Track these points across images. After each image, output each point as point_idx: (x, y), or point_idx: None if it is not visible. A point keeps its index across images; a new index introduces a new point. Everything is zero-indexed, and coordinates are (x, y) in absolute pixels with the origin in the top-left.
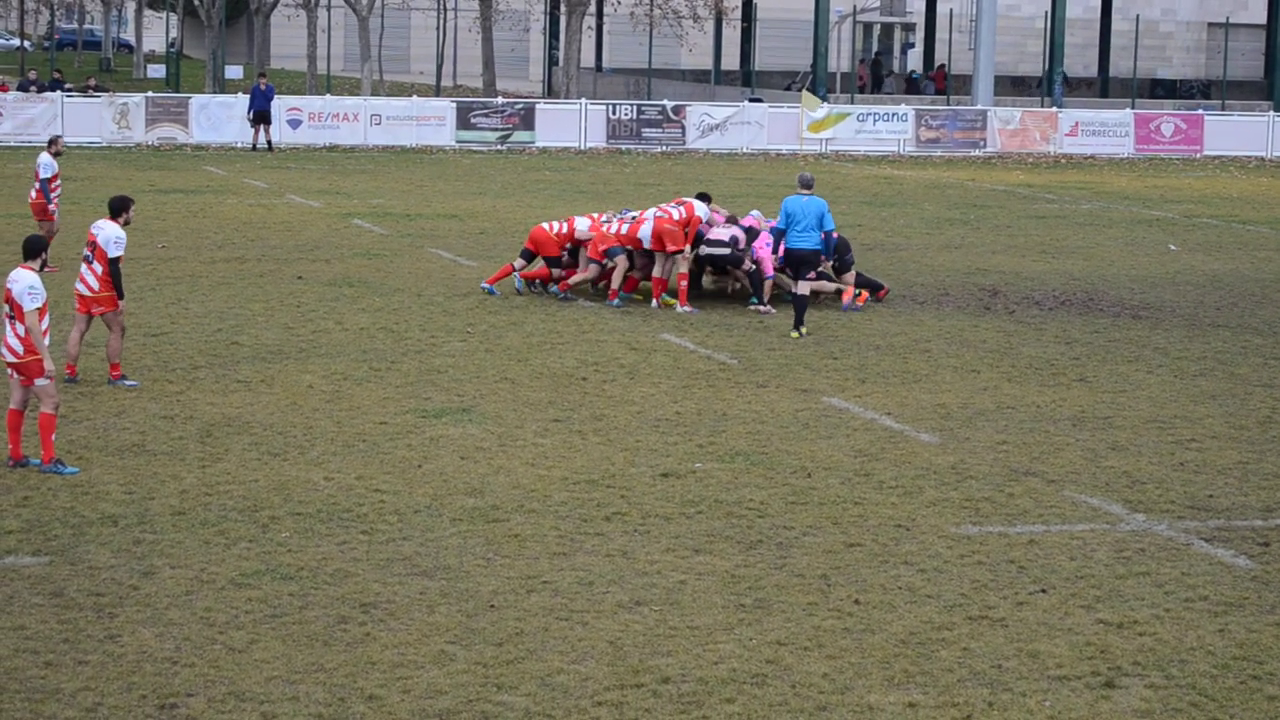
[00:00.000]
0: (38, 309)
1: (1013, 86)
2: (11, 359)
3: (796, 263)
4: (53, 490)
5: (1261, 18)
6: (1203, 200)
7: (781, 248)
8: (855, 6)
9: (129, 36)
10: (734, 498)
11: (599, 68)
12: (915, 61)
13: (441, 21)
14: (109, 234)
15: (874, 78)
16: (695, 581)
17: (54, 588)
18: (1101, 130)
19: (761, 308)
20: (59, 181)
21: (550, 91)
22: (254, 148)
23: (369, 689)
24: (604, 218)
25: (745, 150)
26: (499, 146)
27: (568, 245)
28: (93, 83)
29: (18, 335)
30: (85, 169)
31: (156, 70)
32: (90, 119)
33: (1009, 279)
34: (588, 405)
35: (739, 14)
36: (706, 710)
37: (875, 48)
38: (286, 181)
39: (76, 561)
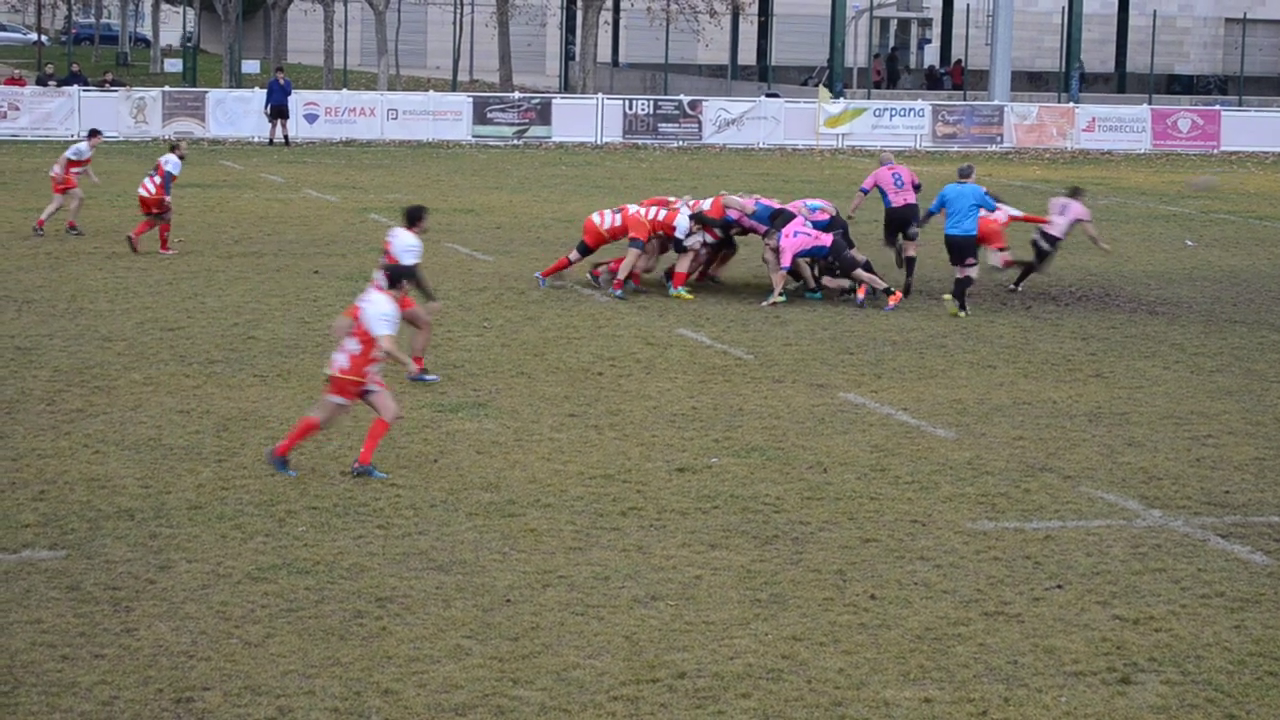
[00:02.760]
0: (389, 335)
1: (1029, 82)
2: (335, 373)
3: (953, 249)
4: (69, 484)
5: (1279, 13)
6: (1220, 196)
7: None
8: (872, 1)
9: (146, 31)
10: (750, 493)
11: (615, 63)
12: (932, 57)
13: (458, 16)
14: (403, 242)
15: (890, 73)
16: (711, 577)
17: (70, 581)
18: (1118, 126)
19: (773, 299)
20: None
21: (567, 86)
22: (270, 142)
23: (385, 683)
24: (677, 203)
25: (761, 145)
26: (515, 141)
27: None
28: (110, 77)
29: (348, 353)
30: (102, 164)
31: (173, 65)
32: (107, 113)
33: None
34: (604, 400)
35: (755, 9)
36: (722, 705)
37: (892, 43)
38: (303, 176)
39: (93, 555)
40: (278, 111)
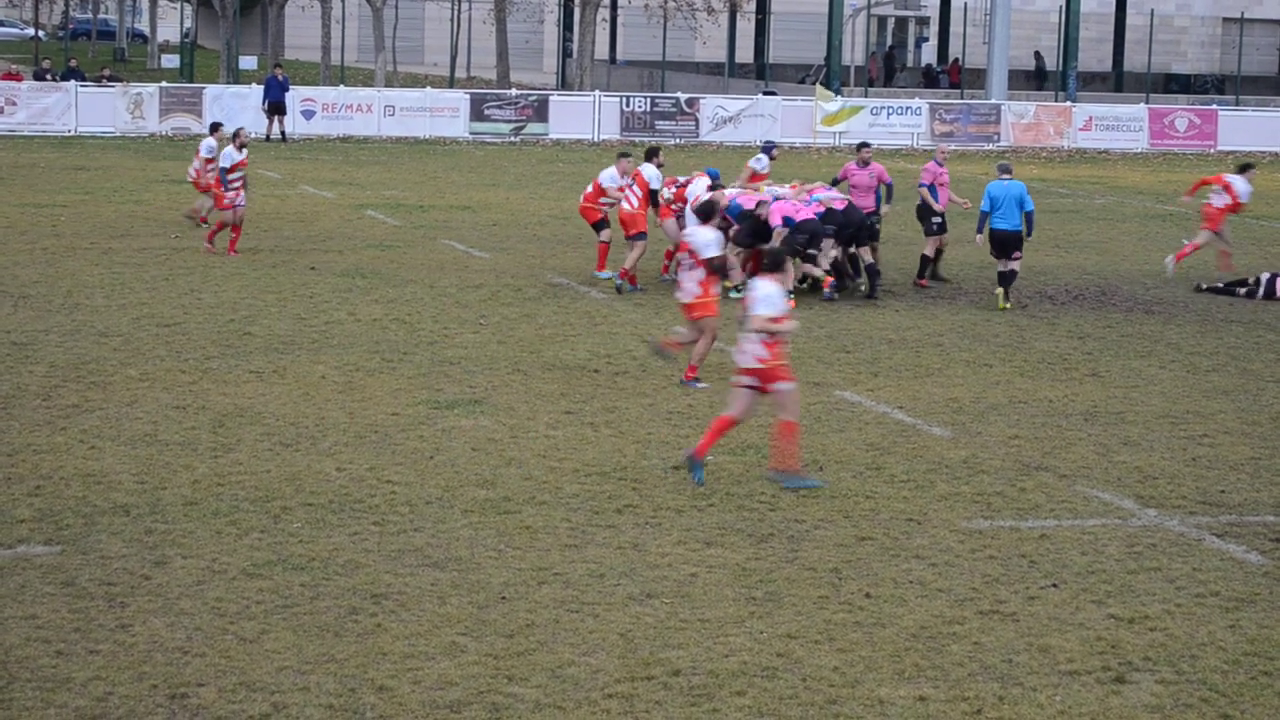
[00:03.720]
0: (771, 316)
1: (1027, 81)
2: (756, 365)
3: (1000, 243)
4: (65, 479)
5: (1276, 13)
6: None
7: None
8: (870, 0)
9: (143, 26)
10: (745, 490)
11: (613, 60)
12: (929, 55)
13: (456, 13)
14: (701, 239)
15: (887, 71)
16: (706, 574)
17: (66, 577)
18: (1115, 125)
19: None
20: (240, 172)
21: (564, 83)
22: (268, 138)
23: (380, 680)
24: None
25: (759, 143)
26: (512, 138)
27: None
28: (107, 73)
29: (763, 342)
30: (99, 159)
31: (171, 60)
32: (104, 109)
33: (1022, 273)
34: (600, 397)
35: (753, 7)
36: (717, 703)
37: (889, 41)
38: (300, 172)
39: (88, 551)
40: (275, 107)
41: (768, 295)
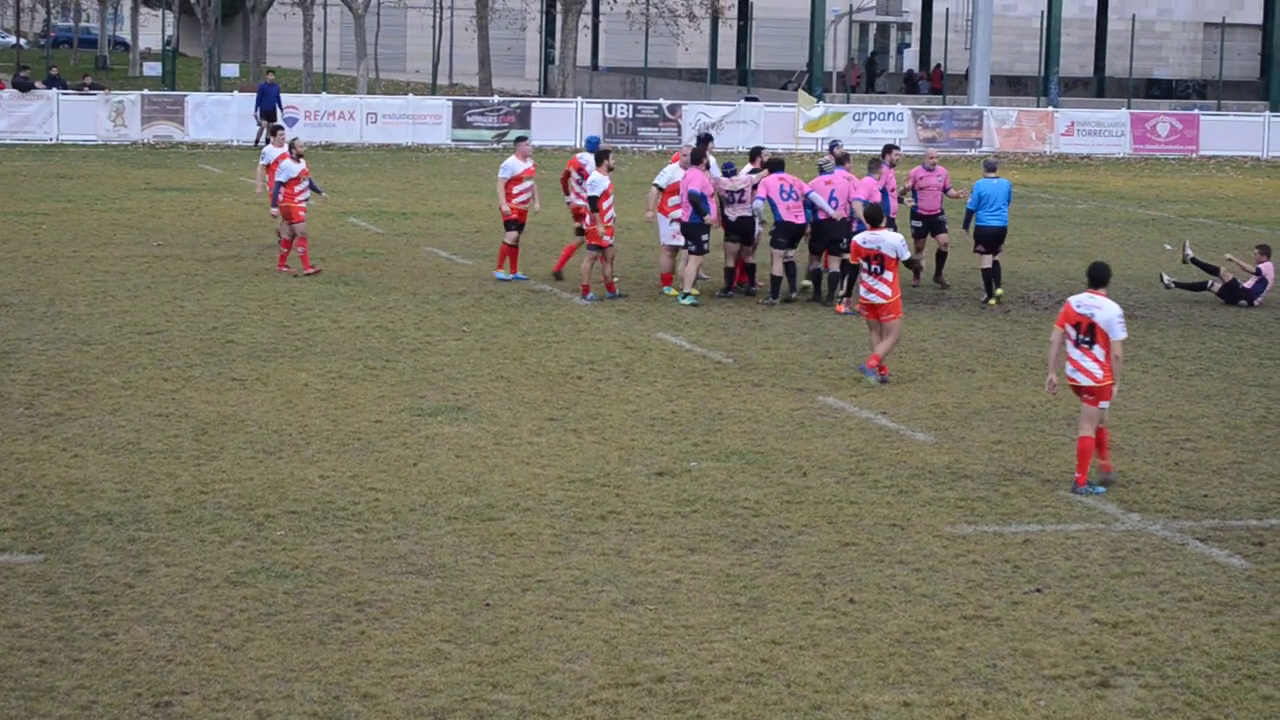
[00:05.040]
0: (1123, 339)
1: (1009, 86)
2: (1089, 382)
3: (989, 239)
4: (48, 488)
5: (1258, 17)
6: (1198, 200)
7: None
8: (851, 6)
9: (125, 34)
10: (729, 497)
11: (595, 66)
12: (911, 61)
13: (438, 20)
14: (891, 241)
15: (869, 77)
16: (690, 580)
17: (49, 585)
18: (1097, 130)
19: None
20: (304, 182)
21: (546, 90)
22: (257, 144)
23: (364, 687)
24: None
25: (741, 149)
26: (495, 145)
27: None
28: (89, 80)
29: (1096, 360)
30: (80, 167)
31: (152, 68)
32: (86, 117)
33: (1005, 278)
34: (583, 404)
35: (735, 13)
36: (701, 709)
37: (871, 47)
38: None
39: (71, 559)
40: (268, 115)
41: (1119, 316)
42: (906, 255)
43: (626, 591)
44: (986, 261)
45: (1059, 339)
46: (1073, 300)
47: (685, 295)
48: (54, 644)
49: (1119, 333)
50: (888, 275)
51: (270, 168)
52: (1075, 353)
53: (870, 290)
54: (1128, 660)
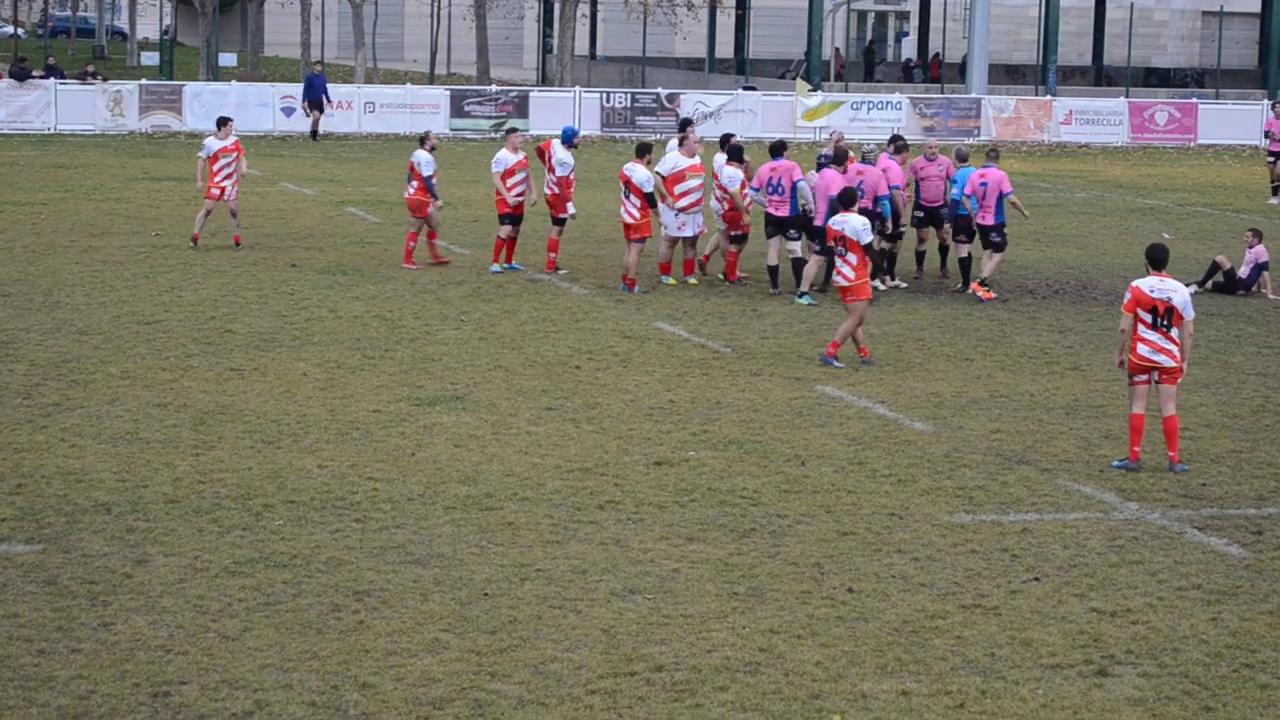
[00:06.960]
0: (1192, 319)
1: (1007, 75)
2: (1172, 364)
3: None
4: (46, 478)
5: (1255, 6)
6: (1196, 189)
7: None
8: None
9: (123, 24)
10: (727, 486)
11: (593, 55)
12: (909, 50)
13: (435, 9)
14: (855, 225)
15: (867, 65)
16: (688, 570)
17: (47, 576)
18: (1096, 119)
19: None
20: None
21: (544, 79)
22: (314, 135)
23: (362, 677)
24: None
25: (739, 138)
26: (493, 134)
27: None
28: (91, 69)
29: (1175, 341)
30: (78, 156)
31: (150, 58)
32: (84, 106)
33: (1003, 267)
34: (581, 393)
35: (733, 2)
36: (700, 698)
37: (869, 35)
38: (280, 169)
39: (70, 549)
40: (315, 105)
41: (1186, 301)
42: (867, 240)
43: (625, 581)
44: (964, 250)
45: (1130, 325)
46: (1143, 285)
47: (801, 295)
48: (52, 634)
49: (1191, 313)
50: (851, 258)
51: (211, 159)
52: (1153, 335)
53: (837, 272)
54: (1126, 649)
